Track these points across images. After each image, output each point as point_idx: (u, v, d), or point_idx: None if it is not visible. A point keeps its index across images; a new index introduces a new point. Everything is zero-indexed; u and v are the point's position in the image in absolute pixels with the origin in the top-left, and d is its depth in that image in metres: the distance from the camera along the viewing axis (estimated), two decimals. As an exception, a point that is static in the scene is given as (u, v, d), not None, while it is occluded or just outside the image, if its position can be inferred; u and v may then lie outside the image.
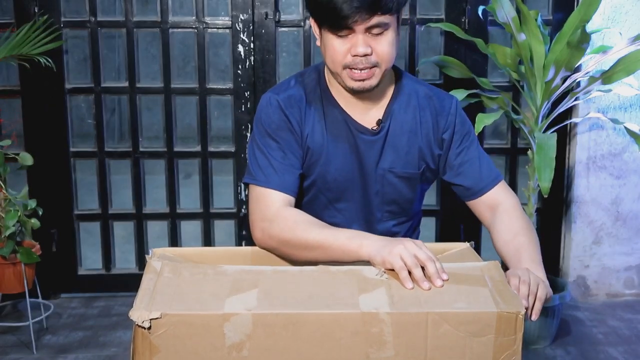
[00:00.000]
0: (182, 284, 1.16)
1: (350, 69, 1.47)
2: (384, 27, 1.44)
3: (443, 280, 1.19)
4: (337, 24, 1.42)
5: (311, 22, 1.55)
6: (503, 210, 1.59)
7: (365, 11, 1.40)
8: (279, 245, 1.45)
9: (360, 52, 1.44)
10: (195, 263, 1.40)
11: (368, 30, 1.43)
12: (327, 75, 1.59)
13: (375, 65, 1.47)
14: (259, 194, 1.51)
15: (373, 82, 1.49)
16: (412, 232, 1.76)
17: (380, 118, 1.58)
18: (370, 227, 1.64)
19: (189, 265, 1.23)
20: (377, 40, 1.45)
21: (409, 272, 1.20)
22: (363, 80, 1.48)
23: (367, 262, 1.30)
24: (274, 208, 1.47)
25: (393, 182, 1.60)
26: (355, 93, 1.53)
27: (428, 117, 1.60)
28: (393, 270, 1.22)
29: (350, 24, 1.41)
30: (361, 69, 1.46)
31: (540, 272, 1.41)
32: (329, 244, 1.37)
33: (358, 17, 1.40)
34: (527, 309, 1.27)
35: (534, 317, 1.30)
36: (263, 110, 1.56)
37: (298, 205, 1.59)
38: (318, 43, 1.55)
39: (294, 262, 1.47)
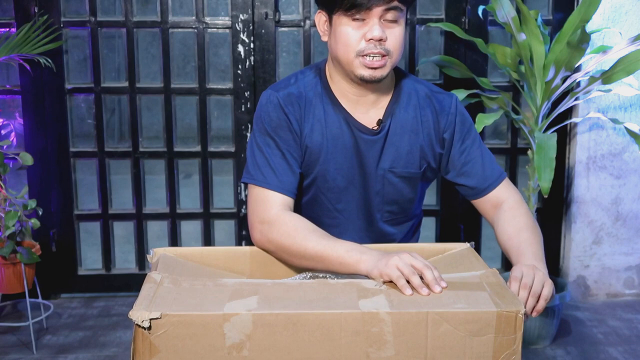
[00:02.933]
0: (182, 292, 1.16)
1: (364, 56, 1.47)
2: (398, 13, 1.46)
3: (442, 287, 1.19)
4: (357, 4, 1.43)
5: (318, 16, 1.55)
6: (508, 207, 1.59)
7: None
8: (277, 250, 1.45)
9: (376, 35, 1.44)
10: (195, 264, 1.40)
11: (383, 16, 1.45)
12: (329, 74, 1.59)
13: (387, 55, 1.47)
14: (258, 194, 1.50)
15: (384, 72, 1.49)
16: (413, 234, 1.75)
17: (381, 118, 1.58)
18: (370, 227, 1.64)
19: (188, 278, 1.23)
20: (391, 29, 1.47)
21: (407, 281, 1.20)
22: (375, 68, 1.48)
23: (365, 277, 1.31)
24: (273, 211, 1.47)
25: (394, 182, 1.60)
26: (364, 82, 1.52)
27: (429, 116, 1.60)
28: (392, 282, 1.22)
29: (370, 5, 1.42)
30: (374, 56, 1.46)
31: (542, 268, 1.41)
32: (327, 255, 1.37)
33: None
34: (525, 314, 1.27)
35: (534, 314, 1.31)
36: (263, 108, 1.56)
37: (298, 205, 1.59)
38: (325, 38, 1.55)
39: (292, 266, 1.47)
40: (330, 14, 1.51)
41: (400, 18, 1.48)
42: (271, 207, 1.47)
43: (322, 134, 1.56)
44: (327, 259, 1.37)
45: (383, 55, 1.47)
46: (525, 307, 1.26)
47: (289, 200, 1.50)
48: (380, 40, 1.45)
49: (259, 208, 1.48)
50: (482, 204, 1.63)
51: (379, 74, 1.49)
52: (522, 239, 1.50)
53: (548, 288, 1.33)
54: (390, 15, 1.45)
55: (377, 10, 1.44)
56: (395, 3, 1.44)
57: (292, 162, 1.53)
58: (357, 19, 1.46)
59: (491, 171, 1.62)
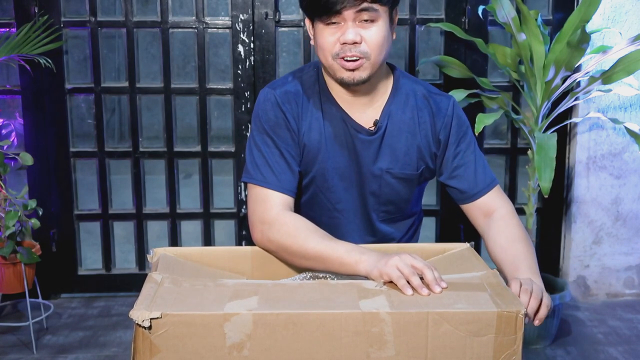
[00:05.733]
0: (183, 292, 1.16)
1: (341, 58, 1.46)
2: (373, 13, 1.44)
3: (442, 287, 1.19)
4: (327, 9, 1.43)
5: (307, 21, 1.56)
6: (499, 217, 1.57)
7: None
8: (278, 250, 1.45)
9: (349, 39, 1.44)
10: (195, 264, 1.40)
11: (358, 18, 1.44)
12: (325, 72, 1.59)
13: (364, 57, 1.46)
14: (257, 194, 1.50)
15: (363, 74, 1.48)
16: (413, 234, 1.75)
17: (377, 118, 1.57)
18: (369, 227, 1.64)
19: (189, 278, 1.23)
20: (367, 29, 1.45)
21: (408, 281, 1.20)
22: (352, 70, 1.47)
23: (365, 278, 1.30)
24: (274, 211, 1.47)
25: (390, 182, 1.60)
26: (347, 86, 1.52)
27: (426, 117, 1.60)
28: (392, 282, 1.22)
29: (340, 8, 1.42)
30: (350, 59, 1.45)
31: (538, 282, 1.40)
32: (327, 255, 1.37)
33: (346, 2, 1.41)
34: (527, 315, 1.27)
35: (537, 322, 1.31)
36: (260, 106, 1.56)
37: (297, 205, 1.59)
38: (312, 42, 1.55)
39: (292, 266, 1.47)
40: (312, 20, 1.51)
41: (379, 17, 1.46)
42: (271, 207, 1.47)
43: (320, 132, 1.55)
44: (327, 259, 1.37)
45: (360, 58, 1.46)
46: (527, 309, 1.27)
47: (289, 200, 1.50)
48: (355, 43, 1.44)
49: (260, 208, 1.48)
50: (472, 209, 1.62)
51: (357, 75, 1.48)
52: (516, 252, 1.49)
53: (547, 297, 1.33)
54: (365, 16, 1.44)
55: (349, 13, 1.43)
56: (366, 4, 1.42)
57: (290, 160, 1.53)
58: (332, 24, 1.45)
59: (483, 177, 1.61)
